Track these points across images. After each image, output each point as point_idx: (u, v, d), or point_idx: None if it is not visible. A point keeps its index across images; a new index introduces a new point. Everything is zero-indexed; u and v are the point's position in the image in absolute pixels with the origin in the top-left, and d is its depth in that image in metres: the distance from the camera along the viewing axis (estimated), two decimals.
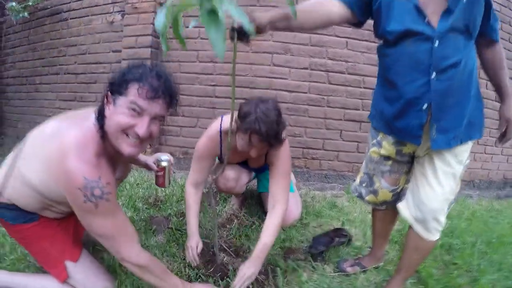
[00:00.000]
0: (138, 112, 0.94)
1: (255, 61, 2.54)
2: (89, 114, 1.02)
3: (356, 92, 2.57)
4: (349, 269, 1.51)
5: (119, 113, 0.93)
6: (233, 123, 1.04)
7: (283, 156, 1.38)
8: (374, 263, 1.56)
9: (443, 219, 1.18)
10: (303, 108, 2.58)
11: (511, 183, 3.43)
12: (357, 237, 1.82)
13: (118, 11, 2.85)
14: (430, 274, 1.55)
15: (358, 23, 1.19)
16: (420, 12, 1.03)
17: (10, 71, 3.73)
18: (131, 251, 1.04)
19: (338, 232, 1.72)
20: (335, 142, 2.62)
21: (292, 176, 2.06)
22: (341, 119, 2.58)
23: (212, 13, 0.53)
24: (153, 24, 2.53)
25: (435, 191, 1.14)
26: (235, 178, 1.61)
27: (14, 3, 2.90)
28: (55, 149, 0.93)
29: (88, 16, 3.02)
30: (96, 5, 2.97)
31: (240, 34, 0.88)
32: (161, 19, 0.57)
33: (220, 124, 1.43)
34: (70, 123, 1.00)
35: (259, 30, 0.97)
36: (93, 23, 2.98)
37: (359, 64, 2.54)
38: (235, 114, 1.22)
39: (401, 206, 1.26)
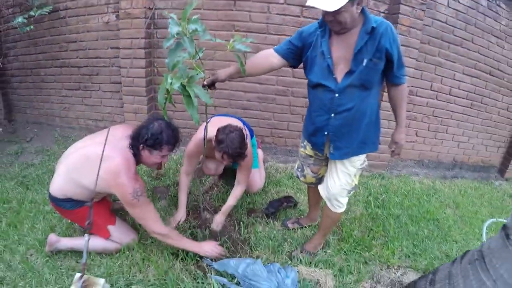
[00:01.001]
0: (165, 156, 1.61)
1: (232, 59, 2.98)
2: (122, 142, 1.62)
3: None
4: (290, 225, 2.16)
5: (155, 158, 1.62)
6: (212, 142, 1.74)
7: (246, 159, 1.95)
8: (310, 222, 2.18)
9: (342, 200, 1.71)
10: (272, 97, 3.15)
11: (460, 165, 3.84)
12: (303, 202, 2.45)
13: (112, 12, 3.18)
14: (350, 234, 2.10)
15: (293, 66, 1.65)
16: (330, 71, 1.42)
17: (13, 64, 3.95)
18: (156, 226, 1.67)
19: (288, 198, 2.38)
20: (298, 124, 3.22)
21: (260, 152, 2.69)
22: (303, 106, 3.15)
23: (189, 97, 1.11)
24: (145, 28, 2.96)
25: (335, 183, 1.65)
26: (214, 168, 2.24)
27: (20, 18, 3.08)
28: (108, 169, 1.51)
29: (84, 15, 3.31)
30: (91, 5, 3.26)
31: (208, 87, 1.46)
32: (161, 97, 1.14)
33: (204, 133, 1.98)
34: (112, 149, 1.54)
35: (221, 81, 1.53)
36: (90, 22, 3.30)
37: None
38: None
39: (320, 187, 1.80)
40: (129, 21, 2.99)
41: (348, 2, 1.25)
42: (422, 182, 3.27)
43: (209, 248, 1.76)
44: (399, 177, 3.27)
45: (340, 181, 1.65)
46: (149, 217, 1.65)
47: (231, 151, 1.75)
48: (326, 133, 1.55)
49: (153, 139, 1.58)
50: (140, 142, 1.60)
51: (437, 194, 3.02)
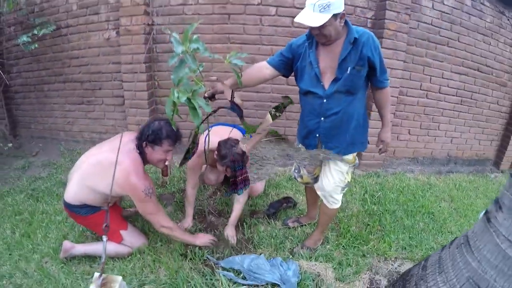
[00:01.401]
0: (168, 152, 1.71)
1: (229, 70, 3.14)
2: (129, 145, 1.73)
3: None
4: (290, 224, 2.27)
5: (158, 154, 1.72)
6: (214, 156, 1.83)
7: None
8: (309, 220, 2.30)
9: (337, 197, 1.82)
10: (267, 104, 3.29)
11: (455, 160, 3.95)
12: (302, 202, 2.56)
13: (112, 29, 3.32)
14: (348, 230, 2.20)
15: (285, 76, 1.78)
16: (318, 79, 1.56)
17: (16, 80, 4.03)
18: (163, 220, 1.81)
19: (287, 199, 2.50)
20: (294, 129, 3.30)
21: None
22: (297, 112, 3.22)
23: (195, 108, 1.24)
24: (145, 43, 3.10)
25: (329, 180, 1.78)
26: (214, 179, 2.29)
27: (24, 37, 3.19)
28: (120, 172, 1.60)
29: (85, 32, 3.45)
30: (92, 23, 3.39)
31: (209, 99, 1.60)
32: (168, 110, 1.27)
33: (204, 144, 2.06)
34: (123, 154, 1.65)
35: (221, 93, 1.67)
36: (91, 39, 3.45)
37: None
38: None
39: (316, 186, 1.91)
40: (130, 37, 3.12)
41: (331, 17, 1.39)
42: (417, 178, 3.35)
43: (203, 239, 1.97)
44: (394, 175, 3.37)
45: (334, 179, 1.77)
46: (158, 212, 1.79)
47: (233, 165, 1.85)
48: (317, 135, 1.68)
49: (153, 135, 1.70)
50: (143, 140, 1.73)
51: (432, 189, 3.10)
